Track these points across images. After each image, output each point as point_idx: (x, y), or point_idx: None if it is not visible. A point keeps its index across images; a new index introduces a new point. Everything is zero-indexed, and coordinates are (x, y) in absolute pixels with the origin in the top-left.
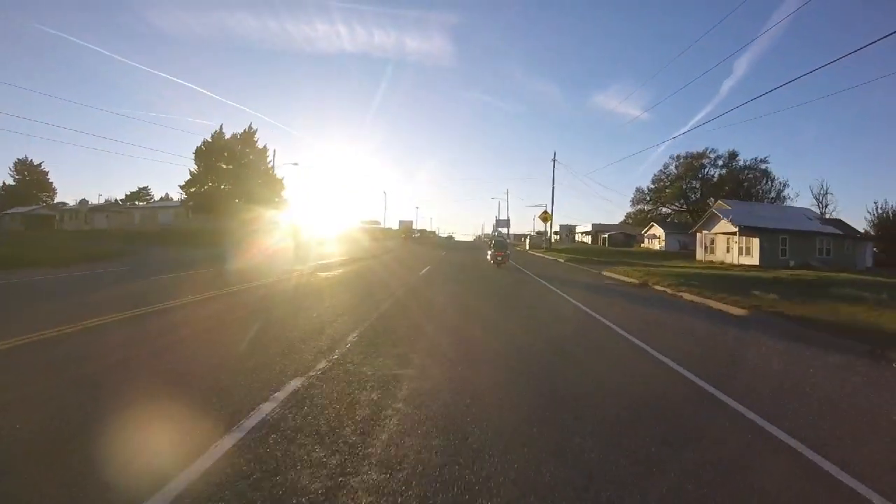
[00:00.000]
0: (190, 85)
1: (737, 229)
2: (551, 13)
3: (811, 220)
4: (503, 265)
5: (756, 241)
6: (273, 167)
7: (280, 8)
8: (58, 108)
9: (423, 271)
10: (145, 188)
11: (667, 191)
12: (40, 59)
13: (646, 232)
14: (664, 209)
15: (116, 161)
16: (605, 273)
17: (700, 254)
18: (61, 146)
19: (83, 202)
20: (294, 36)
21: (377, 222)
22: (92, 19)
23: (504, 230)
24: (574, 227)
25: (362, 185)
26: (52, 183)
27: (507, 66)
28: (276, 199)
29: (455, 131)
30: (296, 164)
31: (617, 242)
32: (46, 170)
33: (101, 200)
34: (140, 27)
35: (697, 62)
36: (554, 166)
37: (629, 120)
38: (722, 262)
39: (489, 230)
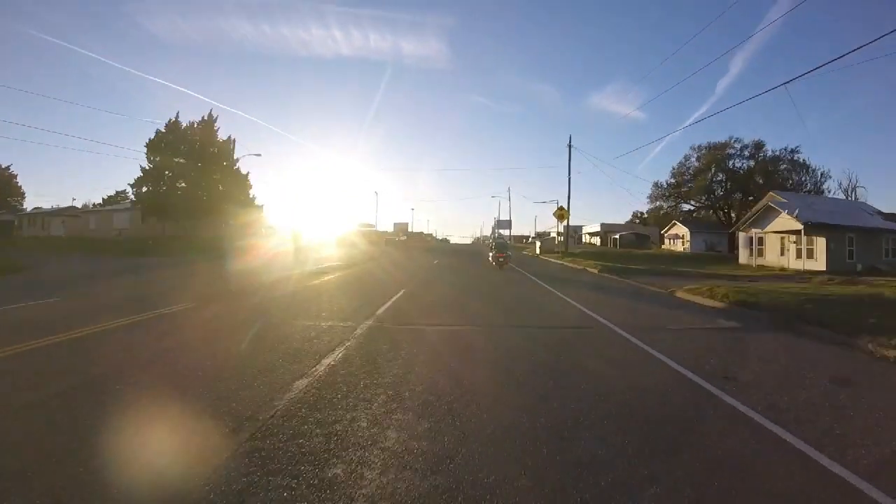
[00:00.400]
0: (181, 88)
1: (801, 227)
2: (547, 15)
3: (871, 215)
4: (504, 266)
5: (822, 242)
6: (237, 161)
7: (275, 12)
8: (36, 110)
9: (379, 311)
10: (123, 192)
11: (689, 185)
12: (24, 59)
13: (666, 231)
14: (685, 205)
15: (105, 164)
16: (685, 296)
17: (744, 256)
18: (47, 149)
19: None
20: (289, 40)
21: (371, 225)
22: (84, 23)
23: (505, 232)
24: (580, 227)
25: (359, 189)
26: (20, 187)
27: (503, 69)
28: (242, 198)
29: (452, 133)
30: (259, 154)
31: (627, 243)
32: (15, 173)
33: (79, 205)
34: (132, 31)
35: (695, 59)
36: (570, 153)
37: (625, 115)
38: (783, 268)
39: (488, 231)
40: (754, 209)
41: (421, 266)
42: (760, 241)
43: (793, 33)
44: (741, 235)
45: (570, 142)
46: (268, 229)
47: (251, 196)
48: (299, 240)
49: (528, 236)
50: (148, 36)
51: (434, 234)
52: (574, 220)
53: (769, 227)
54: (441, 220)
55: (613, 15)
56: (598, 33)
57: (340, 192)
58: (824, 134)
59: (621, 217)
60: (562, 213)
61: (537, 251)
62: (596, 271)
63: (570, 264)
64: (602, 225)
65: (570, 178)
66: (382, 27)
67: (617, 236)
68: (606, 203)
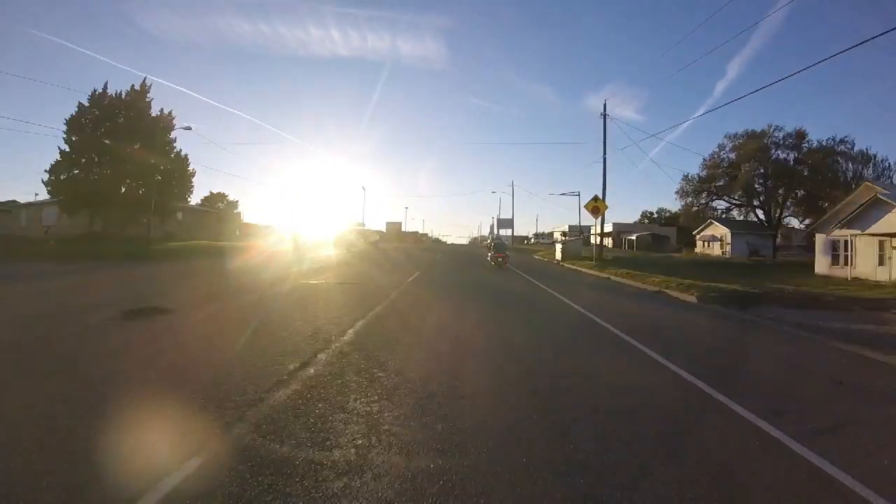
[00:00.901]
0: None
1: None
2: (545, 16)
3: None
4: (504, 266)
5: None
6: (174, 140)
7: (272, 12)
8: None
9: None
10: None
11: (724, 179)
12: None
13: (700, 232)
14: (719, 203)
15: None
16: None
17: (823, 265)
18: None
19: None
20: (287, 40)
21: (362, 224)
22: (82, 22)
23: (506, 232)
24: (587, 227)
25: (356, 188)
26: None
27: (500, 70)
28: (178, 189)
29: (448, 134)
30: (189, 127)
31: (645, 245)
32: None
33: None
34: (130, 30)
35: (692, 57)
36: (605, 125)
37: (626, 110)
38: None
39: (486, 231)
40: (846, 203)
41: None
42: (847, 245)
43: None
44: (820, 239)
45: (604, 110)
46: (242, 228)
47: (192, 185)
48: (298, 240)
49: (528, 237)
50: (145, 35)
51: (429, 234)
52: (580, 220)
53: (874, 229)
54: (437, 219)
55: (610, 17)
56: (598, 33)
57: (334, 191)
58: (849, 123)
59: (626, 217)
60: (596, 206)
61: (558, 256)
62: (693, 299)
63: (627, 281)
64: (615, 225)
65: (605, 159)
66: (380, 28)
67: (633, 237)
68: (611, 202)
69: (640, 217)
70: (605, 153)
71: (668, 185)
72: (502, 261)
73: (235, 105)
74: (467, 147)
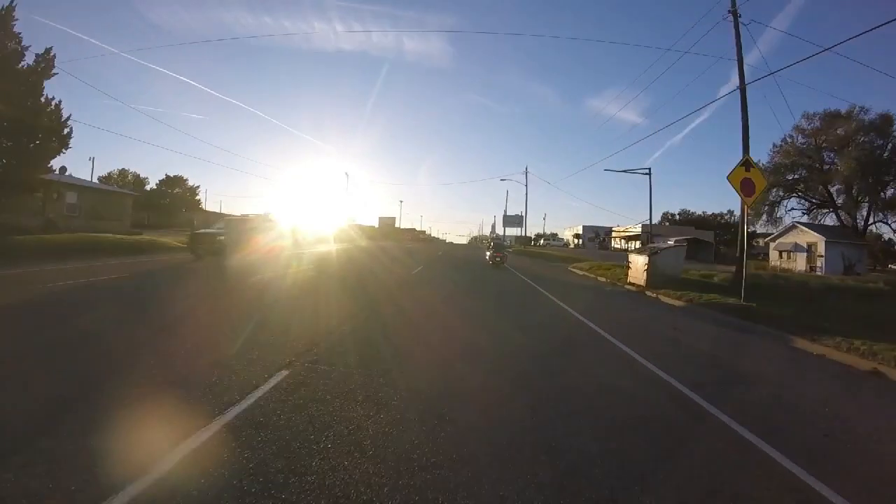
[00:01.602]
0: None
1: None
2: (547, 16)
3: None
4: (500, 266)
5: None
6: (43, 89)
7: (276, 6)
8: None
9: None
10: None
11: (800, 172)
12: None
13: (776, 239)
14: (793, 200)
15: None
16: None
17: None
18: None
19: None
20: (291, 34)
21: (352, 220)
22: (85, 14)
23: (514, 231)
24: (607, 230)
25: (354, 183)
26: None
27: (502, 69)
28: (40, 153)
29: (449, 132)
30: (51, 63)
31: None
32: None
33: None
34: (134, 21)
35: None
36: (737, 26)
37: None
38: None
39: (489, 231)
40: None
41: None
42: None
43: None
44: None
45: (733, 4)
46: (201, 217)
47: (59, 148)
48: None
49: (532, 238)
50: (149, 26)
51: (427, 231)
52: (651, 216)
53: None
54: (437, 217)
55: (612, 17)
56: (599, 35)
57: (330, 186)
58: None
59: (643, 218)
60: (749, 178)
61: (639, 278)
62: None
63: None
64: (644, 227)
65: (744, 89)
66: (384, 23)
67: (670, 243)
68: (628, 202)
69: (660, 219)
70: (742, 77)
71: (682, 184)
72: (500, 260)
73: (232, 97)
74: (467, 146)
